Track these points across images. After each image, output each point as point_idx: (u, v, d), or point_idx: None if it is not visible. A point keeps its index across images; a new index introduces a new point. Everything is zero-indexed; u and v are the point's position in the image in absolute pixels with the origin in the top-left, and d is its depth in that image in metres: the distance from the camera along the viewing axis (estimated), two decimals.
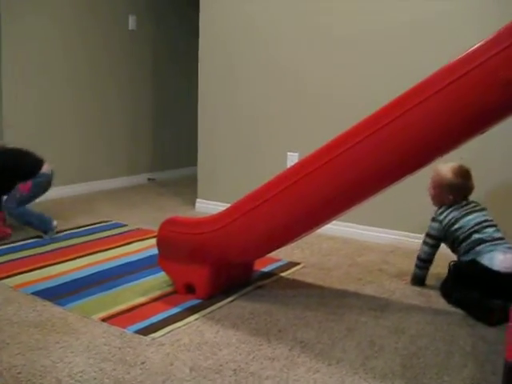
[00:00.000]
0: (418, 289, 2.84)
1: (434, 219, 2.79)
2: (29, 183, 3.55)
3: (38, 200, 3.67)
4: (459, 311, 2.57)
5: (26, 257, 3.18)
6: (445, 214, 2.75)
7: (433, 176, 2.82)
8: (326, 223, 2.57)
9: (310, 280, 2.95)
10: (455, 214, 2.72)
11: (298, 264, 3.17)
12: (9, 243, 3.40)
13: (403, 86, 2.18)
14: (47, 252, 3.27)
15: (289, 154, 3.90)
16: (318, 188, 2.26)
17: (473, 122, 2.05)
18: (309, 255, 3.35)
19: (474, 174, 2.79)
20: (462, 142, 2.17)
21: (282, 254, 3.22)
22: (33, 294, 2.64)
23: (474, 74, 1.96)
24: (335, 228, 3.59)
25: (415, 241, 3.16)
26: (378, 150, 2.15)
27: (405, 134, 2.11)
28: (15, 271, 2.93)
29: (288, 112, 3.93)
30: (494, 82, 1.93)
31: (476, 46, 1.98)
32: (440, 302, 2.69)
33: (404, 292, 2.81)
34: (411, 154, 2.16)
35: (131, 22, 5.28)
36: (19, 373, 1.93)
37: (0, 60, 4.30)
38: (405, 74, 3.12)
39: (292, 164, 2.61)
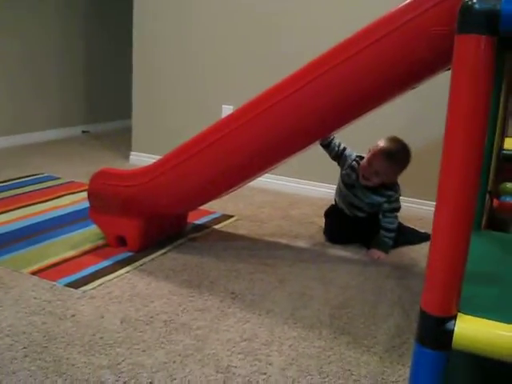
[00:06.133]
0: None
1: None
2: None
3: None
4: (388, 263, 2.65)
5: None
6: None
7: None
8: (258, 176, 2.57)
9: (242, 232, 2.98)
10: None
11: (232, 217, 3.19)
12: None
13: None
14: None
15: (224, 106, 3.88)
16: (248, 141, 2.25)
17: (404, 76, 2.06)
18: (242, 208, 3.37)
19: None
20: (392, 96, 2.18)
21: (216, 207, 3.23)
22: None
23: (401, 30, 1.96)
24: (269, 181, 3.61)
25: None
26: (306, 104, 2.15)
27: (334, 88, 2.11)
28: None
29: (224, 64, 3.89)
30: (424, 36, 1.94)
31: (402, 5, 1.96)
32: None
33: (334, 244, 2.87)
34: (343, 106, 2.16)
35: None
36: None
37: None
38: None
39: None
